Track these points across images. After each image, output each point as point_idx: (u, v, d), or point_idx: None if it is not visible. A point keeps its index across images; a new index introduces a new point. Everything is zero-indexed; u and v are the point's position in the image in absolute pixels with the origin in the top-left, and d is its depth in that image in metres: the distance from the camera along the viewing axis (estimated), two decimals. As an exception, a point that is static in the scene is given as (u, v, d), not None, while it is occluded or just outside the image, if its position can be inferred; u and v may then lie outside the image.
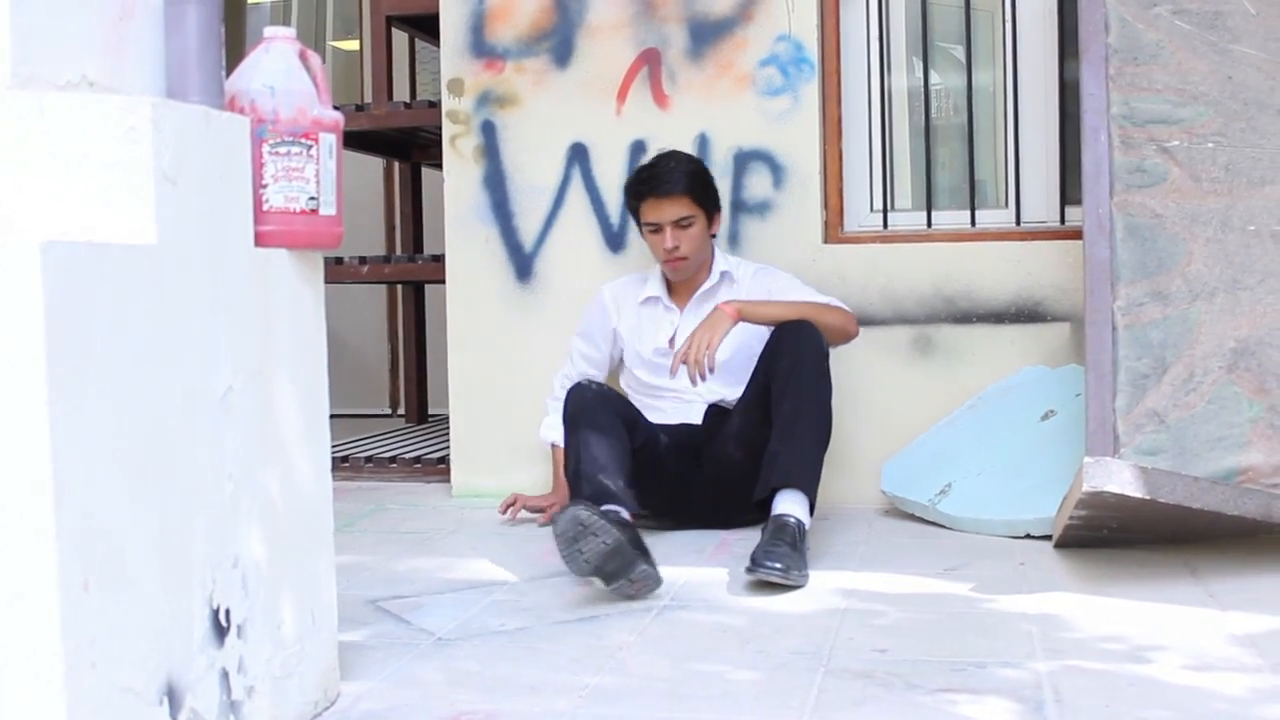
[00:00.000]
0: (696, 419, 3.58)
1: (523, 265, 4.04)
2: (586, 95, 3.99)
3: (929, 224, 3.98)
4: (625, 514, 3.02)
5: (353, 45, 8.06)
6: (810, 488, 3.17)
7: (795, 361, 3.26)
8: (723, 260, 3.67)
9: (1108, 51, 3.38)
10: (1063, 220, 3.91)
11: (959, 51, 4.15)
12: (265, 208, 2.12)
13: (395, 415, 6.34)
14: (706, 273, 3.64)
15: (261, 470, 2.05)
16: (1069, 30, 3.87)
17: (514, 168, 4.04)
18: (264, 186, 2.12)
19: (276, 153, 2.13)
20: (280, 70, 2.16)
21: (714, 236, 3.64)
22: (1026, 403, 3.66)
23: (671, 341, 3.62)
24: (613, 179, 3.88)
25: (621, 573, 2.82)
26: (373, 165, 6.33)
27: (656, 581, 2.88)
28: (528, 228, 4.03)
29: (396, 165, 5.84)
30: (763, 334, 3.43)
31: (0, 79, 1.76)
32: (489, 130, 4.04)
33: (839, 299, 3.59)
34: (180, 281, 1.85)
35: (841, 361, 3.85)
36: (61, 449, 1.57)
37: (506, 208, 4.04)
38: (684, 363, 3.24)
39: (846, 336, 3.48)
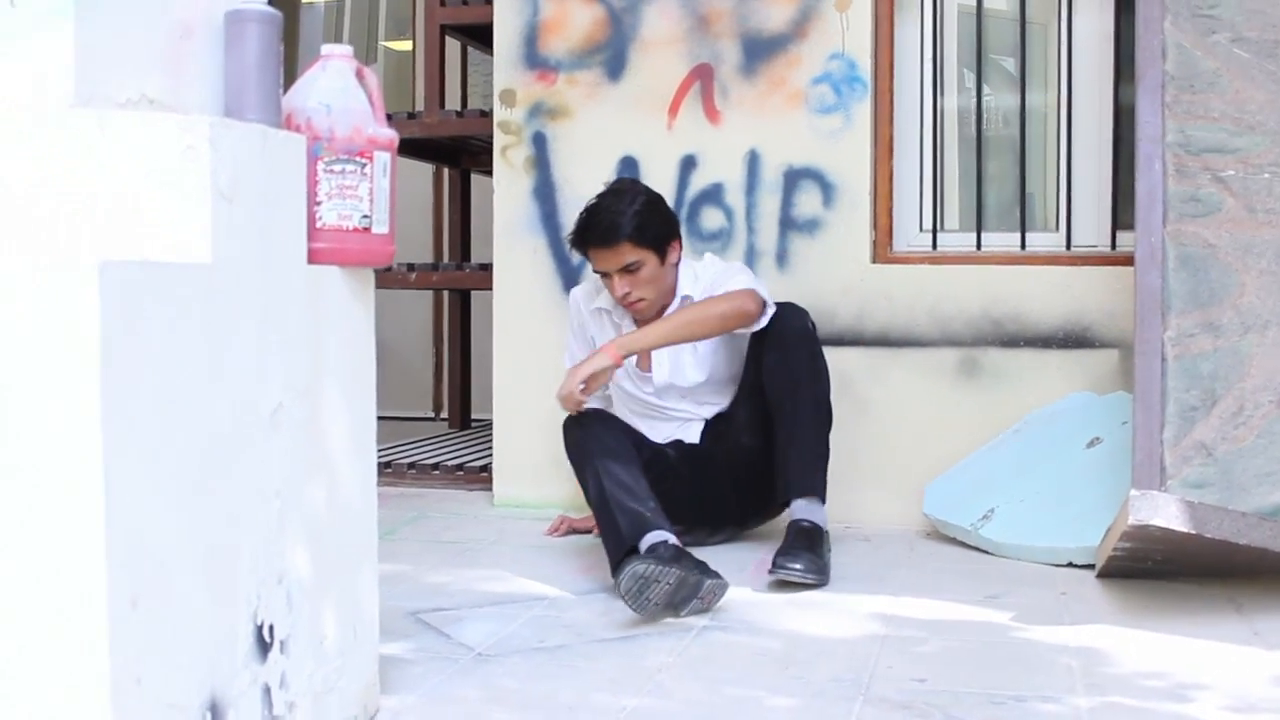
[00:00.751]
0: (694, 438, 3.58)
1: (570, 277, 4.05)
2: (638, 109, 4.00)
3: (979, 245, 3.96)
4: (670, 537, 3.01)
5: (405, 45, 8.11)
6: (820, 488, 3.29)
7: (783, 356, 3.32)
8: (687, 281, 3.51)
9: (1164, 79, 3.36)
10: (1114, 245, 3.88)
11: (1014, 69, 4.13)
12: (319, 225, 2.14)
13: (439, 419, 6.37)
14: (672, 296, 3.49)
15: (308, 486, 2.06)
16: (1125, 52, 3.85)
17: (564, 179, 4.05)
18: (318, 204, 2.14)
19: (331, 170, 2.14)
20: (337, 89, 2.17)
21: (677, 263, 3.48)
22: (1072, 429, 3.64)
23: (647, 365, 3.55)
24: (663, 193, 3.84)
25: (689, 598, 2.87)
26: (422, 171, 6.36)
27: (724, 588, 2.96)
28: (576, 240, 4.04)
29: (446, 171, 5.86)
30: (720, 340, 3.46)
31: (63, 98, 1.79)
32: (540, 142, 4.06)
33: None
34: (234, 300, 1.87)
35: (887, 382, 3.86)
36: (113, 467, 1.59)
37: (555, 219, 4.06)
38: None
39: (744, 319, 3.30)
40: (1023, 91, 4.01)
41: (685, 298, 3.49)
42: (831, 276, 3.86)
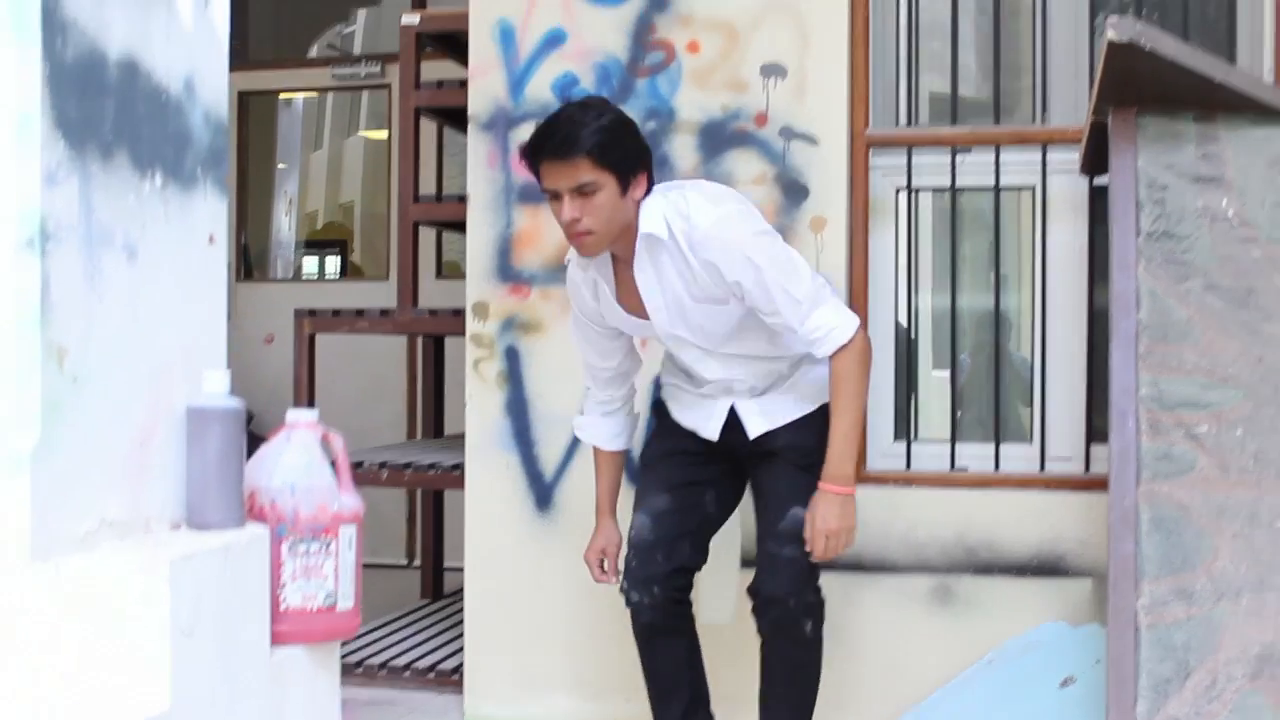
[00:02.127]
0: (713, 433, 3.26)
1: (543, 494, 4.02)
2: (611, 326, 3.97)
3: (952, 462, 3.95)
4: None
5: (382, 135, 8.12)
6: None
7: (775, 629, 3.14)
8: (652, 219, 3.01)
9: (1138, 329, 3.35)
10: (1087, 462, 3.88)
11: (989, 276, 4.13)
12: (282, 608, 2.11)
13: (411, 567, 6.32)
14: (628, 236, 3.04)
15: None
16: (1098, 259, 3.85)
17: (536, 395, 4.03)
18: (282, 585, 2.11)
19: (296, 552, 2.12)
20: (301, 465, 2.15)
21: (640, 200, 3.01)
22: (1045, 665, 3.62)
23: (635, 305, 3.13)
24: (639, 409, 3.84)
25: None
26: (395, 339, 6.33)
27: None
28: (548, 456, 4.02)
29: (420, 339, 5.83)
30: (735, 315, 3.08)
31: (20, 549, 1.75)
32: (512, 356, 4.04)
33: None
34: (193, 732, 1.84)
35: (860, 607, 3.83)
36: None
37: (528, 435, 4.03)
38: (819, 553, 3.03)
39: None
40: (996, 296, 4.01)
41: (648, 237, 3.03)
42: (805, 498, 3.84)
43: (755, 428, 3.23)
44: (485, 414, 4.07)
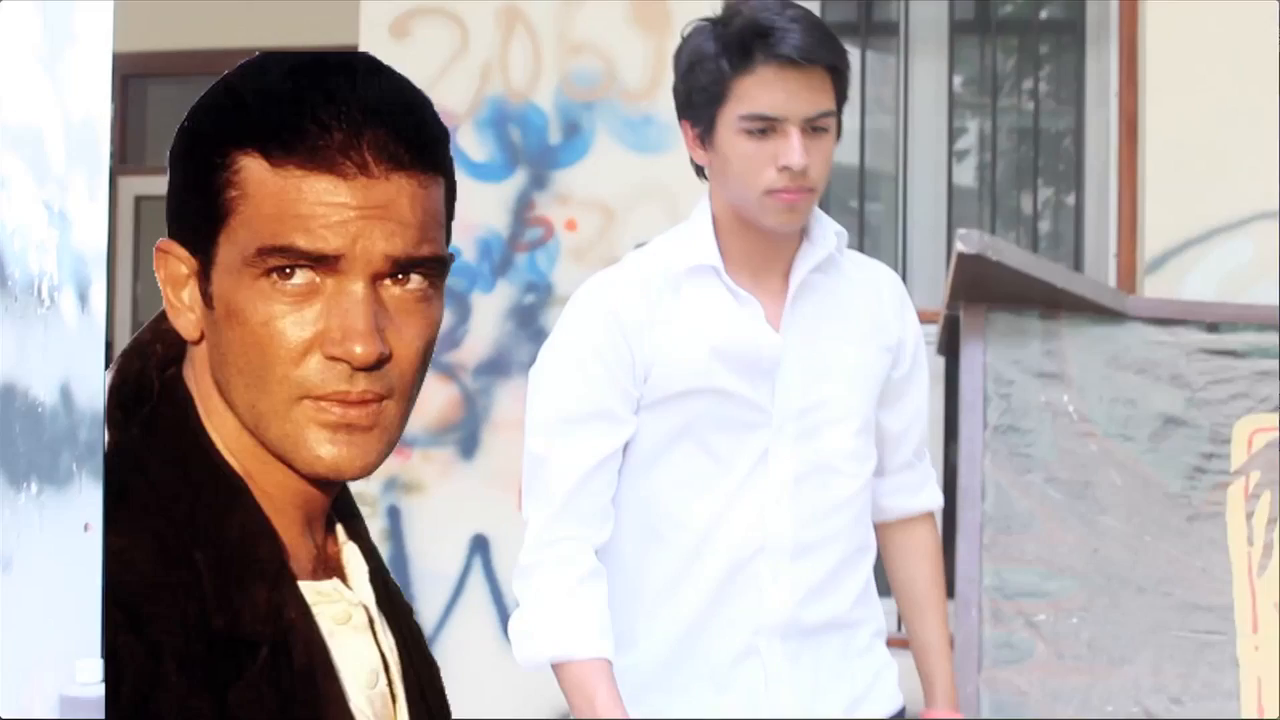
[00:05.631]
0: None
1: (424, 649, 4.16)
2: (490, 488, 4.12)
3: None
4: None
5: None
6: None
7: None
8: (823, 217, 2.12)
9: (983, 520, 3.56)
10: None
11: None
12: None
13: None
14: (805, 235, 2.08)
15: None
16: (952, 422, 4.06)
17: (416, 553, 4.17)
18: None
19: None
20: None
21: None
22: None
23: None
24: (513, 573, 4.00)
25: None
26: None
27: None
28: (428, 613, 4.16)
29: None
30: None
31: None
32: (394, 515, 4.18)
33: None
34: None
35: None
36: None
37: (408, 591, 4.15)
38: None
39: None
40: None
41: (840, 234, 2.14)
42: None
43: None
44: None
